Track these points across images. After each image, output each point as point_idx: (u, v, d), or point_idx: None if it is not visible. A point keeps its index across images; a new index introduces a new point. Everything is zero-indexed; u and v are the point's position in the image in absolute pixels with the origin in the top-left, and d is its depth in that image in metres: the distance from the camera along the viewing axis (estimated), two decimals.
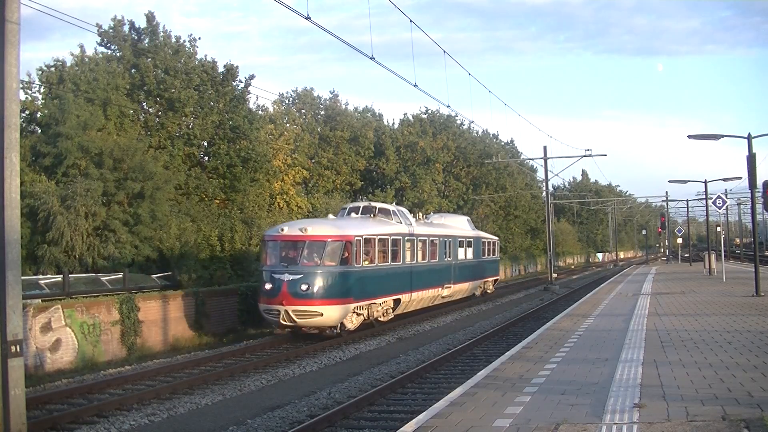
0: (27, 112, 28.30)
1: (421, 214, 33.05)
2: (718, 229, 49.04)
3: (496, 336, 22.80)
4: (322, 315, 20.87)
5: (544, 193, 56.42)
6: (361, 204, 27.00)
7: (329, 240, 21.40)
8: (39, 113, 28.28)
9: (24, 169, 23.05)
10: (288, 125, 44.72)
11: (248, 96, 36.14)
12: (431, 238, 28.45)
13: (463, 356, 18.94)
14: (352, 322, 22.40)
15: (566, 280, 58.70)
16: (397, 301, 25.26)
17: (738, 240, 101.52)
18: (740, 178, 38.57)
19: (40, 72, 29.21)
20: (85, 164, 26.20)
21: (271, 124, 41.78)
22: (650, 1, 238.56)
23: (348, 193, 49.60)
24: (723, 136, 26.19)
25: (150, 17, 33.06)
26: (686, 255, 75.01)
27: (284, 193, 40.52)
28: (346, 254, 21.53)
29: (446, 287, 30.24)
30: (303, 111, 50.12)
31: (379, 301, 23.89)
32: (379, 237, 23.69)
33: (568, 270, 79.29)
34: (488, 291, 38.44)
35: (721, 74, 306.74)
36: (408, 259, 25.93)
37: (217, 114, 33.66)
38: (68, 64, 29.92)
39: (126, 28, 32.98)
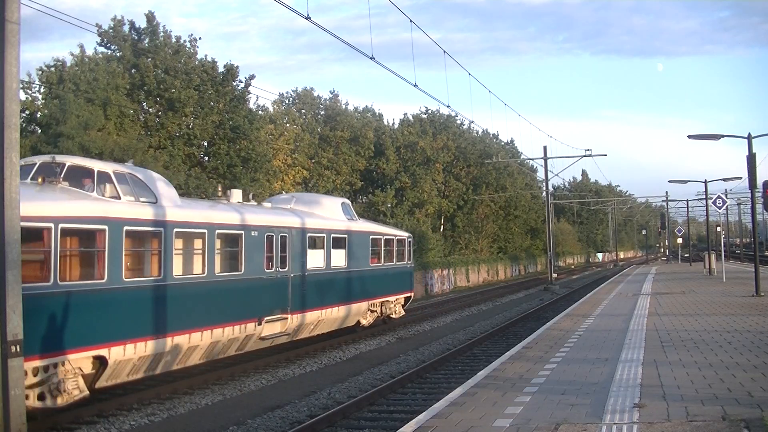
0: (27, 112, 28.31)
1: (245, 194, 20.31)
2: (718, 229, 49.06)
3: (496, 336, 22.80)
4: None
5: (544, 193, 56.43)
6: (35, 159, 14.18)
7: None
8: (39, 113, 28.29)
9: None
10: (288, 125, 44.73)
11: (248, 96, 36.16)
12: (219, 230, 15.75)
13: (463, 356, 18.94)
14: None
15: (566, 280, 58.70)
16: (100, 361, 12.64)
17: (738, 240, 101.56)
18: (740, 178, 38.58)
19: (40, 72, 29.22)
20: None
21: (271, 124, 41.78)
22: (648, 2, 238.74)
23: (348, 193, 49.60)
24: (723, 136, 26.19)
25: (150, 17, 33.07)
26: (686, 255, 75.01)
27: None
28: None
29: (273, 319, 17.45)
30: (303, 111, 50.12)
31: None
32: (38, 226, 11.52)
33: (568, 270, 79.28)
34: (392, 316, 25.11)
35: (720, 74, 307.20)
36: (152, 270, 13.97)
37: (217, 114, 33.66)
38: (68, 64, 29.94)
39: (126, 28, 33.00)
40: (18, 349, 8.81)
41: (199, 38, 34.27)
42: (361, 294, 22.30)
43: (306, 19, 15.06)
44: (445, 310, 32.51)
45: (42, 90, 29.09)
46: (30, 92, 28.85)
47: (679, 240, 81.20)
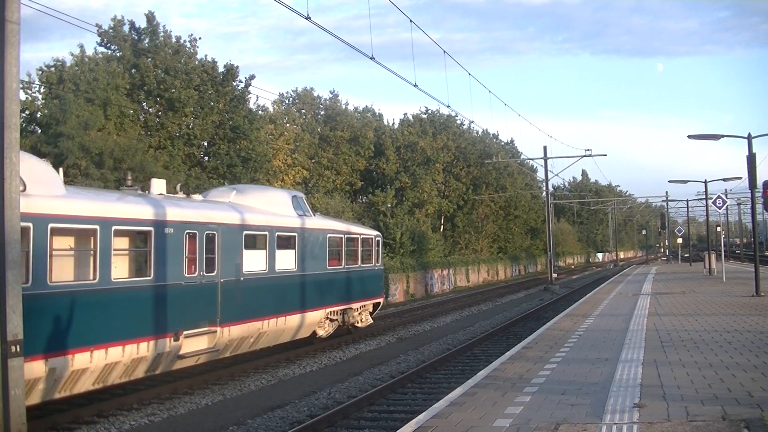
0: (27, 112, 28.31)
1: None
2: (718, 229, 49.05)
3: (496, 336, 22.79)
4: None
5: (544, 193, 56.43)
6: None
7: None
8: (39, 113, 28.29)
9: None
10: (288, 125, 44.74)
11: (248, 96, 36.18)
12: (118, 226, 13.17)
13: (463, 356, 18.94)
14: None
15: (566, 280, 58.70)
16: None
17: (738, 240, 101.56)
18: (740, 178, 38.60)
19: (40, 72, 29.23)
20: (85, 164, 26.21)
21: (271, 124, 41.79)
22: (648, 2, 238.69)
23: (348, 193, 49.61)
24: (723, 136, 26.19)
25: (150, 17, 33.08)
26: (686, 255, 75.01)
27: None
28: None
29: (195, 333, 14.91)
30: (303, 111, 50.15)
31: None
32: None
33: (568, 270, 79.28)
34: (357, 325, 22.37)
35: (720, 74, 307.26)
36: None
37: (217, 114, 33.67)
38: (68, 64, 29.94)
39: (126, 28, 33.02)
40: (18, 349, 8.81)
41: (199, 38, 34.31)
42: (316, 301, 19.37)
43: (306, 19, 15.07)
44: (445, 310, 32.51)
45: (42, 90, 29.10)
46: (30, 92, 28.87)
47: (679, 240, 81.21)
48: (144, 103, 32.78)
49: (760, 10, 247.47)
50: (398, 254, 44.08)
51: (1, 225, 8.86)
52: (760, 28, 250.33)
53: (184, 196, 16.87)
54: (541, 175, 65.84)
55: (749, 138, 24.25)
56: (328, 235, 20.33)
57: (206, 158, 34.60)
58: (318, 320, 19.86)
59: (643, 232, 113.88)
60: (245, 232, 16.48)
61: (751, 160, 24.03)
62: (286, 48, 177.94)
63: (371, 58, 18.24)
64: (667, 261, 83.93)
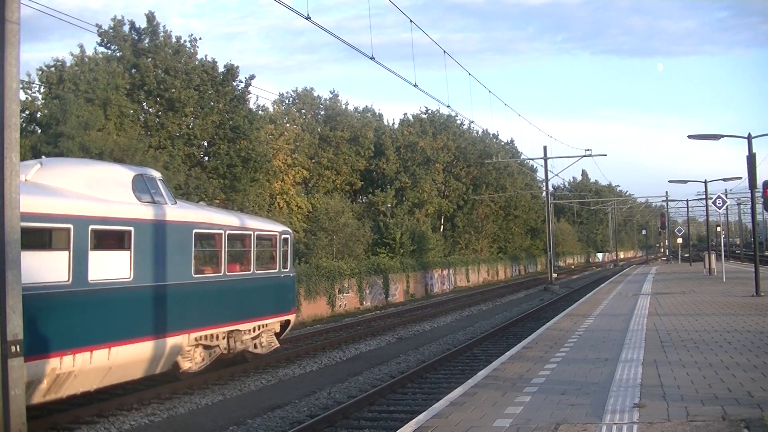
0: (27, 112, 28.33)
1: None
2: (718, 229, 49.05)
3: (496, 336, 22.80)
4: None
5: (544, 193, 56.43)
6: None
7: None
8: (39, 113, 28.30)
9: None
10: (288, 125, 44.76)
11: (248, 96, 36.20)
12: None
13: (463, 356, 18.94)
14: None
15: (566, 280, 58.70)
16: None
17: (738, 240, 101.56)
18: (740, 178, 38.62)
19: (40, 72, 29.26)
20: None
21: (271, 124, 41.81)
22: (647, 2, 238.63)
23: (348, 193, 49.62)
24: (723, 136, 26.19)
25: (150, 17, 33.09)
26: (686, 255, 75.02)
27: (284, 193, 40.57)
28: None
29: None
30: (303, 111, 50.18)
31: None
32: None
33: (568, 270, 79.29)
34: (253, 350, 17.10)
35: (719, 74, 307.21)
36: None
37: (217, 114, 33.69)
38: (68, 65, 29.96)
39: (126, 28, 33.03)
40: (18, 349, 8.82)
41: (200, 38, 34.33)
42: (172, 323, 13.97)
43: (306, 19, 15.07)
44: (445, 310, 32.52)
45: (42, 90, 29.12)
46: (30, 92, 28.90)
47: (679, 240, 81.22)
48: (144, 103, 32.79)
49: (759, 10, 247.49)
50: (398, 254, 44.10)
51: (1, 225, 8.87)
52: (759, 28, 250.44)
53: None
54: (541, 175, 65.92)
55: (749, 138, 24.25)
56: (196, 231, 14.92)
57: (206, 158, 34.61)
58: (180, 349, 14.37)
59: (643, 232, 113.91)
60: (26, 225, 9.84)
61: (751, 160, 24.03)
62: (285, 48, 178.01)
63: (371, 58, 18.25)
64: (667, 261, 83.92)
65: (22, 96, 27.51)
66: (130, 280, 13.06)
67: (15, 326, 8.84)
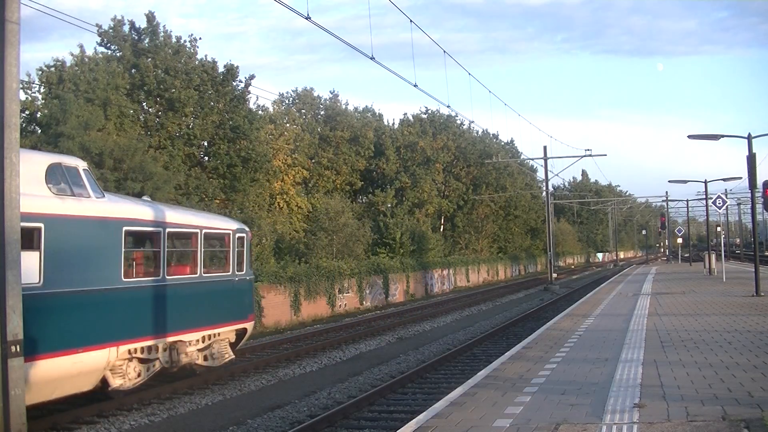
0: (27, 112, 28.34)
1: None
2: (718, 229, 49.05)
3: (496, 336, 22.80)
4: None
5: (544, 193, 56.44)
6: None
7: None
8: (39, 113, 28.31)
9: None
10: (288, 125, 44.78)
11: (248, 96, 36.22)
12: None
13: (463, 356, 18.94)
14: None
15: (566, 280, 58.71)
16: None
17: (738, 240, 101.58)
18: (740, 178, 38.59)
19: (40, 72, 29.27)
20: None
21: (271, 124, 41.83)
22: (647, 2, 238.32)
23: (348, 193, 49.62)
24: (723, 136, 26.19)
25: (150, 17, 33.10)
26: (686, 255, 75.03)
27: (284, 193, 40.59)
28: None
29: None
30: (303, 111, 50.19)
31: None
32: None
33: (568, 270, 79.30)
34: (201, 362, 15.39)
35: (719, 74, 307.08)
36: None
37: (217, 114, 33.71)
38: (68, 65, 29.97)
39: (126, 28, 33.04)
40: (18, 349, 8.83)
41: (200, 38, 34.34)
42: (97, 335, 12.36)
43: (306, 19, 15.07)
44: (445, 310, 32.52)
45: (42, 90, 29.13)
46: (30, 92, 28.92)
47: (679, 240, 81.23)
48: (144, 103, 32.81)
49: (758, 10, 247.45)
50: (398, 254, 44.11)
51: (1, 225, 8.87)
52: (759, 28, 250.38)
53: None
54: (541, 175, 65.96)
55: (749, 138, 24.25)
56: (127, 228, 13.28)
57: (206, 158, 34.62)
58: (107, 363, 12.63)
59: (643, 232, 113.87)
60: None
61: (751, 160, 24.03)
62: (285, 48, 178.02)
63: (371, 58, 18.26)
64: (667, 261, 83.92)
65: (22, 96, 27.53)
66: (38, 285, 11.15)
67: (15, 326, 8.85)
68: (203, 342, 15.23)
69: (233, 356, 16.24)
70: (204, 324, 15.16)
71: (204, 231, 15.34)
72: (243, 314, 16.77)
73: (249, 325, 17.08)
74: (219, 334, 15.66)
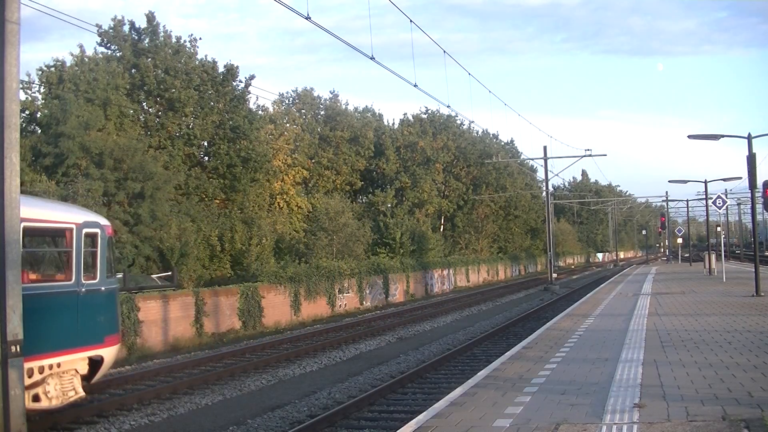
0: (27, 112, 28.35)
1: None
2: (718, 229, 49.04)
3: (496, 336, 22.79)
4: None
5: (544, 193, 56.44)
6: None
7: None
8: (39, 113, 28.32)
9: (24, 169, 23.06)
10: (288, 125, 44.78)
11: (248, 96, 36.23)
12: None
13: (463, 356, 18.93)
14: None
15: (566, 280, 58.70)
16: None
17: (738, 240, 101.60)
18: (740, 178, 38.60)
19: (40, 72, 29.29)
20: (85, 164, 26.24)
21: (271, 124, 41.83)
22: (646, 2, 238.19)
23: (348, 193, 49.61)
24: (723, 136, 26.18)
25: (150, 17, 33.10)
26: (686, 255, 75.03)
27: (284, 193, 40.59)
28: None
29: None
30: (303, 111, 50.18)
31: None
32: None
33: (568, 270, 79.30)
34: (36, 405, 11.08)
35: (719, 74, 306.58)
36: None
37: (217, 114, 33.71)
38: (68, 65, 29.97)
39: (126, 28, 33.05)
40: (18, 349, 8.82)
41: (199, 38, 34.35)
42: None
43: (306, 19, 15.07)
44: (445, 310, 32.51)
45: (42, 90, 29.13)
46: (30, 92, 28.94)
47: (679, 240, 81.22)
48: (144, 103, 32.82)
49: (758, 10, 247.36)
50: (398, 254, 44.10)
51: (1, 225, 8.87)
52: (758, 28, 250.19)
53: None
54: (541, 175, 65.92)
55: (749, 138, 24.25)
56: None
57: (206, 158, 34.62)
58: None
59: (643, 232, 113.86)
60: None
61: (751, 160, 24.02)
62: (285, 48, 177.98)
63: (371, 58, 18.25)
64: (667, 261, 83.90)
65: (22, 96, 27.54)
66: None
67: (15, 326, 8.85)
68: (29, 377, 10.67)
69: (82, 393, 12.00)
70: (30, 353, 9.97)
71: (24, 225, 10.02)
72: (98, 336, 12.33)
73: (108, 351, 12.54)
74: (59, 365, 11.44)
